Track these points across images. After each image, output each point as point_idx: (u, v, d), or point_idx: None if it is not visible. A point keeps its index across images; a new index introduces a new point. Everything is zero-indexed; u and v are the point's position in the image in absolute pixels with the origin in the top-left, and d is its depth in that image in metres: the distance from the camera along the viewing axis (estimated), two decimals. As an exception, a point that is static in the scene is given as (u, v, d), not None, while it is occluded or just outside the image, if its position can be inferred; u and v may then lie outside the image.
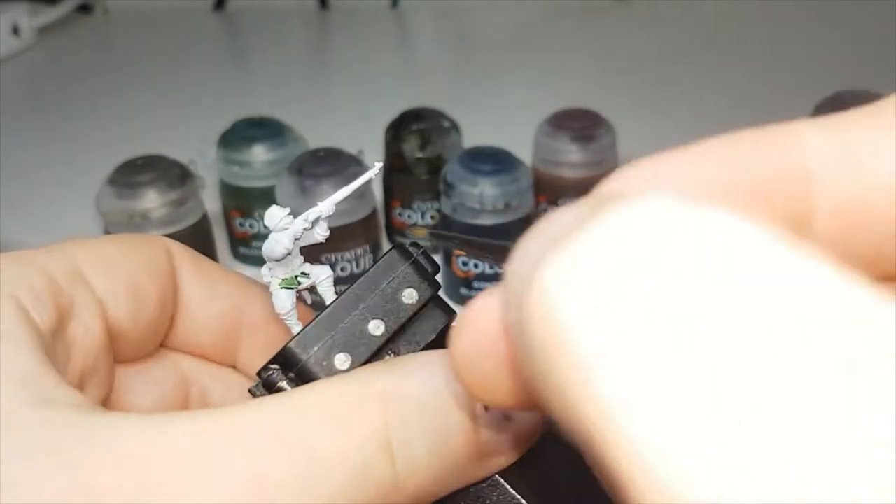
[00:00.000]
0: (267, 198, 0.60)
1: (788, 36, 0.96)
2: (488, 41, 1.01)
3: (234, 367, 0.30)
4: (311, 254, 0.26)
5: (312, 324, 0.24)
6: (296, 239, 0.26)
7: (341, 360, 0.24)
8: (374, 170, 0.27)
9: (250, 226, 0.63)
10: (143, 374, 0.28)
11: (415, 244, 0.26)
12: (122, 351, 0.27)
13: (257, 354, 0.29)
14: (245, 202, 0.62)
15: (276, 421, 0.20)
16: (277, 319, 0.28)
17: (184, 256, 0.28)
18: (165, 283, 0.27)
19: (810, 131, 0.17)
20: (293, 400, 0.21)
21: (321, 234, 0.26)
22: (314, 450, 0.19)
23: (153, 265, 0.27)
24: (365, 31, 1.01)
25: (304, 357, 0.24)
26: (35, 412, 0.19)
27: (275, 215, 0.26)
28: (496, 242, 0.22)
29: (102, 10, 1.04)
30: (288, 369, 0.24)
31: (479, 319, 0.16)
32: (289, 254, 0.26)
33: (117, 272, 0.26)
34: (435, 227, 0.25)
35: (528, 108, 0.70)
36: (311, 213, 0.26)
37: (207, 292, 0.28)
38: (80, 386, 0.24)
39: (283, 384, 0.24)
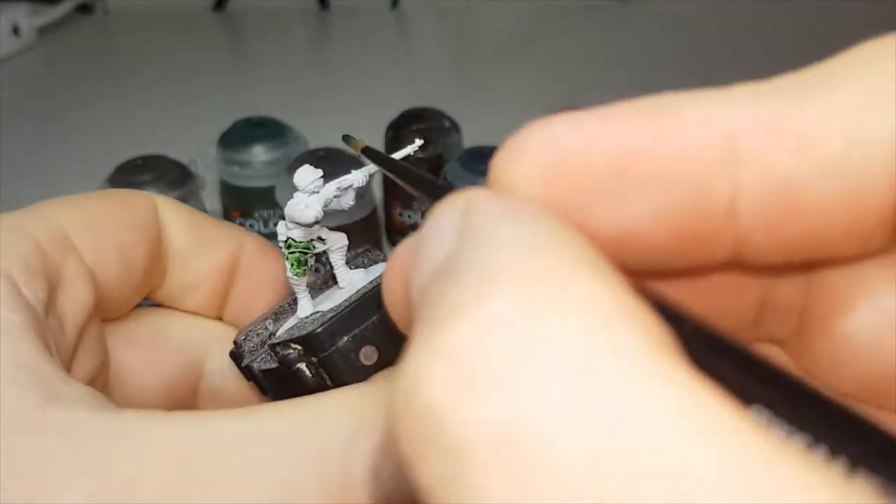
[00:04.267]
0: (267, 198, 0.60)
1: (788, 36, 0.96)
2: (488, 41, 1.01)
3: (220, 318, 0.29)
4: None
5: (343, 313, 0.24)
6: (325, 205, 0.26)
7: (367, 355, 0.24)
8: (415, 145, 0.27)
9: (250, 226, 0.63)
10: (150, 353, 0.28)
11: None
12: (104, 311, 0.26)
13: (242, 304, 0.29)
14: (245, 202, 0.62)
15: (302, 427, 0.19)
16: (264, 264, 0.28)
17: (170, 211, 0.28)
18: (153, 241, 0.27)
19: (735, 101, 0.15)
20: (320, 406, 0.20)
21: (348, 202, 0.26)
22: (342, 459, 0.19)
23: (140, 223, 0.26)
24: (365, 31, 1.01)
25: (329, 347, 0.24)
26: (49, 413, 0.19)
27: (307, 175, 0.25)
28: (427, 176, 0.22)
29: (102, 10, 1.04)
30: (311, 354, 0.24)
31: (398, 262, 0.17)
32: (317, 221, 0.26)
33: (104, 235, 0.25)
34: (368, 147, 0.25)
35: (528, 108, 0.70)
36: (345, 181, 0.26)
37: (200, 247, 0.28)
38: (72, 357, 0.24)
39: (303, 366, 0.24)
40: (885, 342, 0.16)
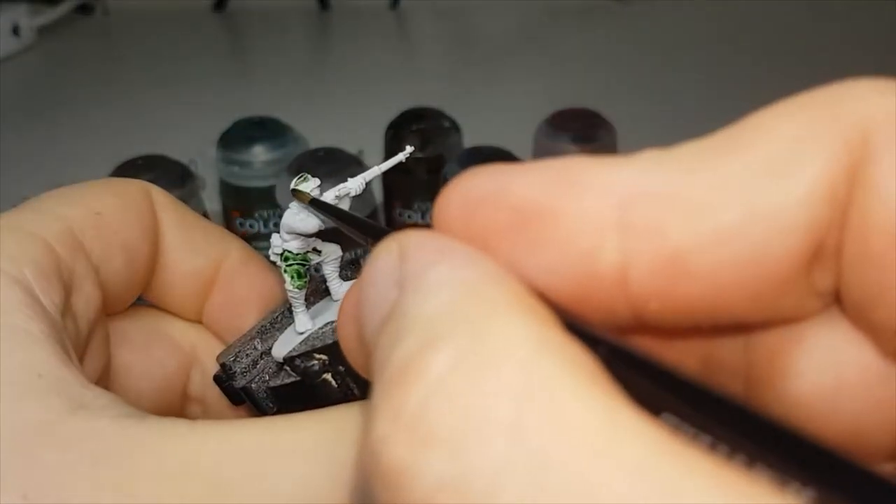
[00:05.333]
0: (267, 198, 0.60)
1: (788, 36, 0.96)
2: (488, 41, 1.01)
3: (199, 321, 0.29)
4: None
5: None
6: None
7: None
8: (406, 152, 0.27)
9: (250, 226, 0.63)
10: (144, 353, 0.28)
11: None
12: (105, 308, 0.26)
13: (217, 314, 0.28)
14: (245, 202, 0.62)
15: (324, 443, 0.19)
16: (245, 277, 0.27)
17: (166, 206, 0.27)
18: (153, 240, 0.27)
19: (633, 170, 0.15)
20: (340, 420, 0.20)
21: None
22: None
23: (143, 220, 0.26)
24: (365, 31, 1.01)
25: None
26: (72, 423, 0.19)
27: (304, 186, 0.25)
28: (369, 222, 0.23)
29: (102, 10, 1.04)
30: (339, 363, 0.24)
31: (347, 308, 0.18)
32: (321, 229, 0.25)
33: (111, 235, 0.25)
34: (315, 199, 0.26)
35: (528, 109, 0.70)
36: (342, 189, 0.26)
37: (187, 248, 0.28)
38: (83, 358, 0.24)
39: (329, 377, 0.24)
40: (840, 404, 0.16)
